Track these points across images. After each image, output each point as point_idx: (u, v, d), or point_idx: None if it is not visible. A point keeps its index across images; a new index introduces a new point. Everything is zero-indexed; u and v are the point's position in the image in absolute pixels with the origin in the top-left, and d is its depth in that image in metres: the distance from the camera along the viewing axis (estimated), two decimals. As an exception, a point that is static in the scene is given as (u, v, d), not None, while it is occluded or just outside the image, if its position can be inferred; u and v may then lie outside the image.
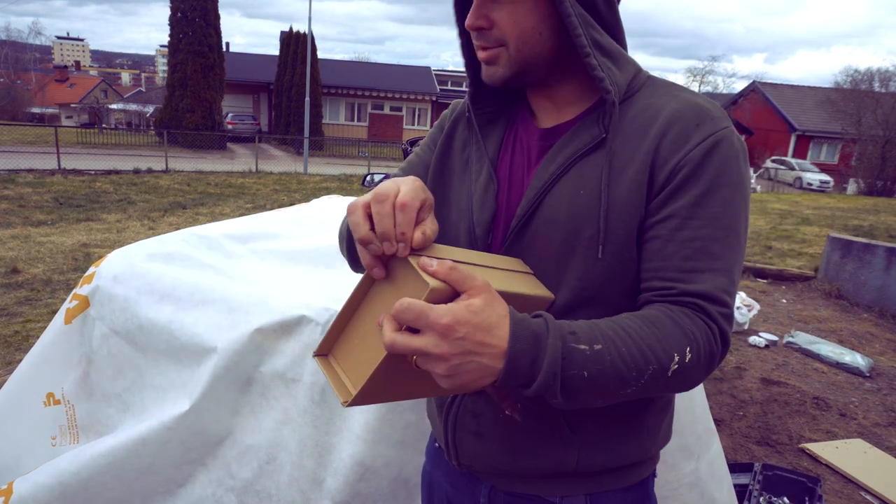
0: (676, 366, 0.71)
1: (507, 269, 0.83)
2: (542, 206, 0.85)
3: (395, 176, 0.92)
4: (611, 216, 0.80)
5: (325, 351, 0.77)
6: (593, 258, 0.81)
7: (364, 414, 1.43)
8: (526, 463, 0.90)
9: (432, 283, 0.64)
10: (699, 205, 0.77)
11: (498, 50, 0.84)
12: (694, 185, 0.77)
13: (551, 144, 0.88)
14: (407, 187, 0.71)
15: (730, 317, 0.77)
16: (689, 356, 0.72)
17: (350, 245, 0.96)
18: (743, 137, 0.86)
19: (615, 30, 0.86)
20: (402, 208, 0.68)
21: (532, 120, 0.93)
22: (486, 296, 0.66)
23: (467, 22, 0.84)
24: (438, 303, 0.64)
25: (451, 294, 0.66)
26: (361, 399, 0.70)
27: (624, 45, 0.87)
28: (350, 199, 2.85)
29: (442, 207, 0.97)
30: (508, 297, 0.74)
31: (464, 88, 36.43)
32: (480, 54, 0.86)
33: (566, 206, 0.82)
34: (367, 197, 0.71)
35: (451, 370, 0.64)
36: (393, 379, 0.71)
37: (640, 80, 0.86)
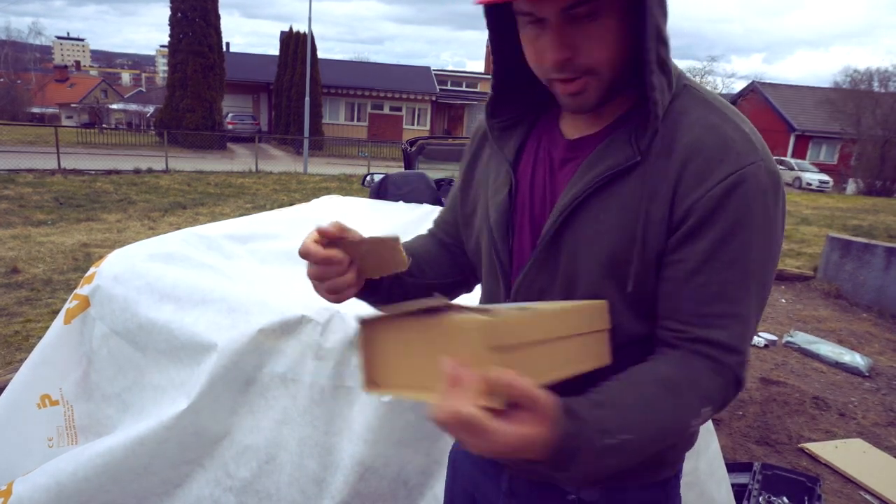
0: (693, 428, 0.77)
1: (572, 336, 0.75)
2: (569, 227, 0.81)
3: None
4: (646, 249, 0.77)
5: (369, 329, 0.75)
6: (621, 289, 0.79)
7: (364, 414, 1.43)
8: None
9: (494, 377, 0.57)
10: (716, 249, 0.74)
11: (585, 80, 0.76)
12: (710, 230, 0.74)
13: (576, 157, 0.84)
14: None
15: (745, 364, 0.78)
16: (704, 416, 0.76)
17: None
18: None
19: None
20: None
21: (557, 127, 0.89)
22: (543, 431, 0.61)
23: (553, 57, 0.73)
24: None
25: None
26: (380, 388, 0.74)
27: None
28: (350, 199, 2.85)
29: (473, 218, 0.99)
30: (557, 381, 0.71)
31: (463, 88, 36.51)
32: (564, 87, 0.77)
33: (593, 232, 0.79)
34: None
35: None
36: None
37: (676, 91, 0.79)
